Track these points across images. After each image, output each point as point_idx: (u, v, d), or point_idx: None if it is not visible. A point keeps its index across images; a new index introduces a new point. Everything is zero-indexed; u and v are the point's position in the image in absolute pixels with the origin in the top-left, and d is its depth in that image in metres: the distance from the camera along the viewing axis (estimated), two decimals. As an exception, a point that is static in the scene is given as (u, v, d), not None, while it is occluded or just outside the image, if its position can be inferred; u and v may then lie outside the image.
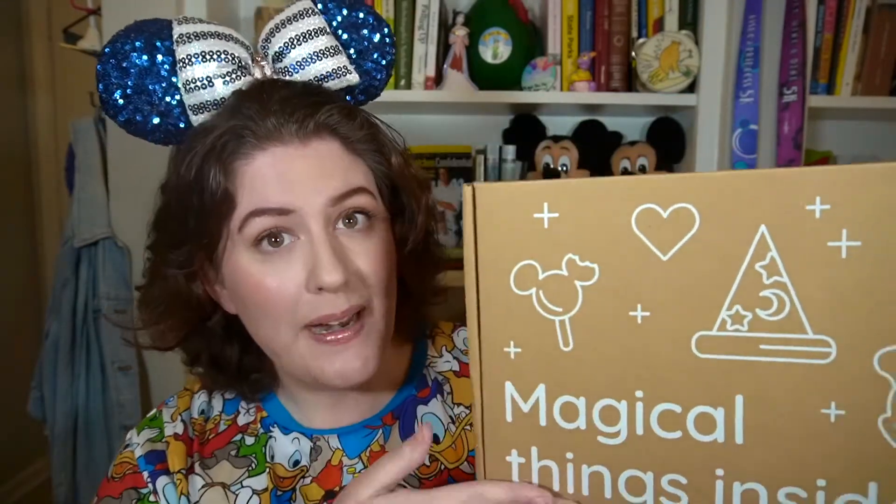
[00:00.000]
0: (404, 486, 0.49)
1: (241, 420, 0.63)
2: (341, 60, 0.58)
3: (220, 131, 0.52)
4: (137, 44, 0.55)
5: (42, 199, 2.73)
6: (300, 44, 0.57)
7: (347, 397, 0.61)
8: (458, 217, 1.51)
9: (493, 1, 1.47)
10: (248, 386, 0.63)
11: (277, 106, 0.53)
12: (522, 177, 1.54)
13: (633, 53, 1.45)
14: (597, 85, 1.46)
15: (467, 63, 1.46)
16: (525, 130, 1.56)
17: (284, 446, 0.61)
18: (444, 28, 1.51)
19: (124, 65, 0.55)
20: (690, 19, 1.45)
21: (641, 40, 1.44)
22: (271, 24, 0.58)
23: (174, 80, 0.55)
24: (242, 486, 0.59)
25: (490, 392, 0.41)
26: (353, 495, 0.43)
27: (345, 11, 0.61)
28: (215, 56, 0.55)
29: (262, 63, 0.58)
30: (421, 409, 0.63)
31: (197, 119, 0.56)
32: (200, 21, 0.57)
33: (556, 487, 0.41)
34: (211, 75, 0.55)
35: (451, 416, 0.63)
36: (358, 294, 0.53)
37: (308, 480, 0.60)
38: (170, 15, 0.59)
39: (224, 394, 0.65)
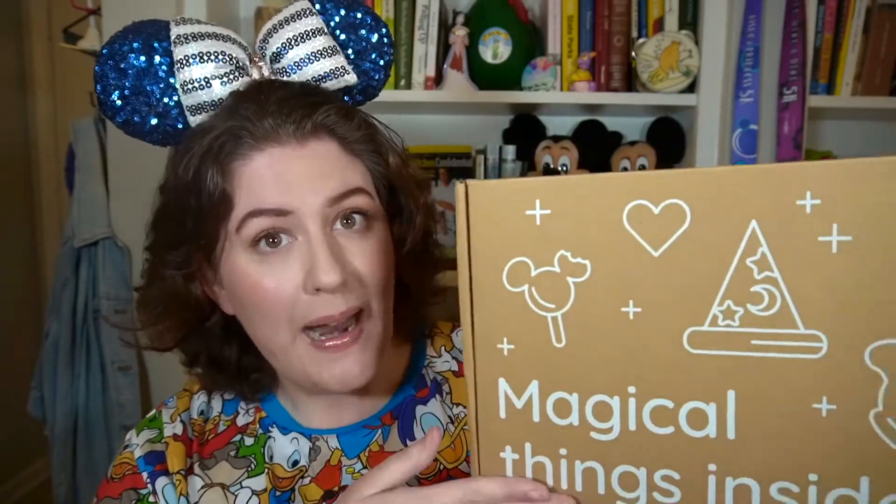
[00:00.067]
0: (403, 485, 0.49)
1: (241, 420, 0.63)
2: (339, 61, 0.58)
3: (218, 132, 0.52)
4: (135, 45, 0.55)
5: (42, 199, 2.73)
6: (298, 44, 0.57)
7: (346, 398, 0.61)
8: (458, 217, 1.50)
9: (493, 1, 1.47)
10: (247, 386, 0.63)
11: (275, 106, 0.53)
12: (522, 176, 1.54)
13: (633, 53, 1.45)
14: (597, 85, 1.46)
15: (467, 63, 1.46)
16: (525, 130, 1.57)
17: (283, 447, 0.61)
18: (444, 28, 1.51)
19: (122, 66, 0.55)
20: (690, 19, 1.45)
21: (641, 40, 1.44)
22: (269, 25, 0.58)
23: (172, 80, 0.56)
24: (242, 487, 0.59)
25: (483, 389, 0.41)
26: (356, 493, 0.43)
27: (343, 12, 0.61)
28: (213, 57, 0.55)
29: (260, 64, 0.58)
30: (420, 410, 0.63)
31: (195, 120, 0.56)
32: (198, 22, 0.57)
33: (549, 483, 0.41)
34: (208, 76, 0.55)
35: (450, 416, 0.63)
36: (356, 295, 0.53)
37: (307, 481, 0.59)
38: (170, 15, 0.59)
39: (223, 394, 0.65)
